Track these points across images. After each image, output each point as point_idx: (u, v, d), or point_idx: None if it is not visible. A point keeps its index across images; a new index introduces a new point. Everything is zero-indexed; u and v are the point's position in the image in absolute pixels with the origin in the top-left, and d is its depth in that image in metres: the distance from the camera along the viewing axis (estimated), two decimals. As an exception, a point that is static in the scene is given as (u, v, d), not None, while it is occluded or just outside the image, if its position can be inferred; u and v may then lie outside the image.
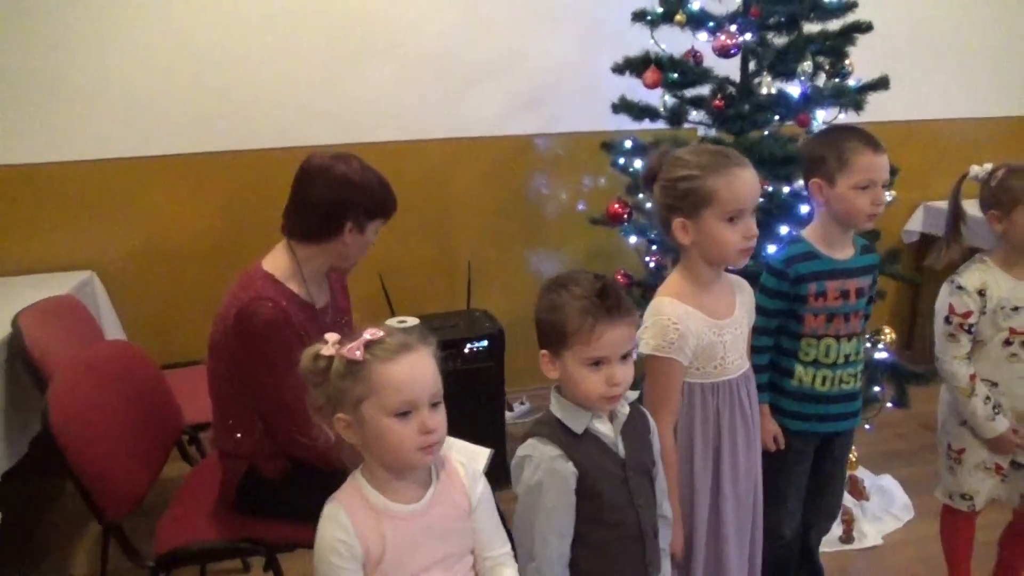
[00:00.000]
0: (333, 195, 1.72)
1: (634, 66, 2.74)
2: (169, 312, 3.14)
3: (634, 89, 2.80)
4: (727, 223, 1.47)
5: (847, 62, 2.55)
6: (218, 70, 3.04)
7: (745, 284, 1.67)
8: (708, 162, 1.48)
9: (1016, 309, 1.83)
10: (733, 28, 2.48)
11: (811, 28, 2.55)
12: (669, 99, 2.71)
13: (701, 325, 1.52)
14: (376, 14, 3.14)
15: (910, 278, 2.95)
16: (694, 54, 2.75)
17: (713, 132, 2.67)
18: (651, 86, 2.69)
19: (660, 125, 2.78)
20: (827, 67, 2.55)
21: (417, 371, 1.16)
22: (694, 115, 2.71)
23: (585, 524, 1.33)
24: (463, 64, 3.27)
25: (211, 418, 1.85)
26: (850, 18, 2.51)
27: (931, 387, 2.66)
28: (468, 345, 2.76)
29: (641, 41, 2.77)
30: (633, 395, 1.40)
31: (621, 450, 1.36)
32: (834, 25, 2.53)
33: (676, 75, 2.66)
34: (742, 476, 1.59)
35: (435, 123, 3.30)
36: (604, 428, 1.35)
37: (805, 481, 1.91)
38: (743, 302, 1.63)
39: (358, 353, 1.14)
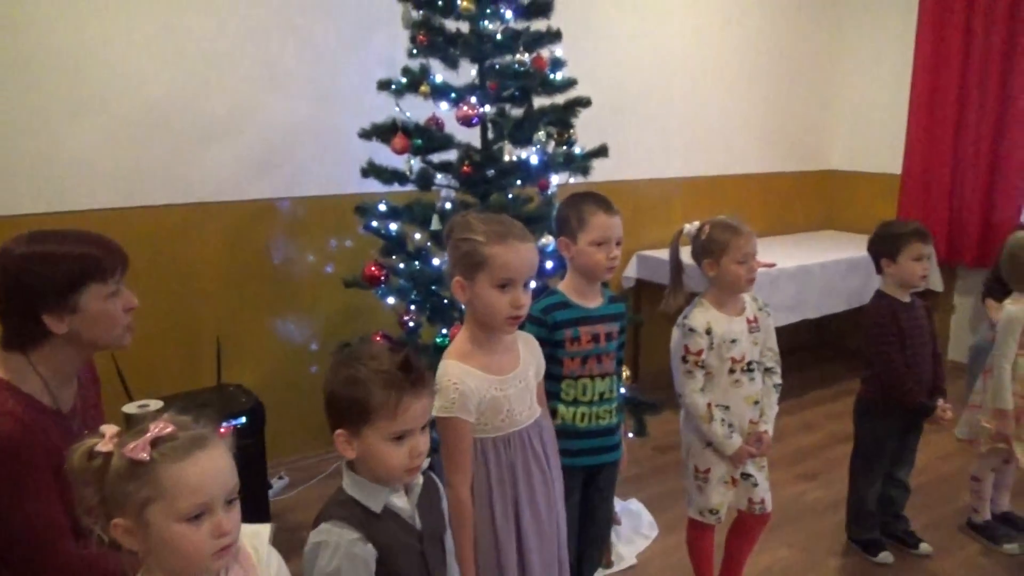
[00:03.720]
0: (8, 290, 1.44)
1: (381, 132, 2.81)
2: None
3: (376, 152, 2.86)
4: (497, 289, 1.56)
5: (572, 132, 2.87)
6: None
7: (531, 338, 1.78)
8: (490, 230, 1.58)
9: (734, 341, 2.17)
10: (473, 100, 2.66)
11: (541, 102, 2.83)
12: (416, 163, 2.81)
13: (481, 383, 1.59)
14: (89, 64, 2.82)
15: (633, 320, 3.33)
16: (436, 121, 2.89)
17: (456, 195, 2.82)
18: (400, 151, 2.77)
19: (409, 188, 2.87)
20: (556, 136, 2.84)
21: (213, 469, 1.05)
22: (440, 179, 2.84)
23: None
24: (190, 123, 3.06)
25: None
26: (572, 93, 2.83)
27: (661, 414, 3.05)
28: (224, 424, 2.56)
29: (380, 104, 2.86)
30: (425, 463, 1.40)
31: (417, 522, 1.37)
32: (559, 99, 2.83)
33: (421, 141, 2.78)
34: (544, 522, 1.67)
35: (162, 187, 3.05)
36: (401, 502, 1.34)
37: (576, 514, 2.05)
38: (528, 353, 1.72)
39: (144, 453, 1.02)
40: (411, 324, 2.92)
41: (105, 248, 1.52)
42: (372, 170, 2.86)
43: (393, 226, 2.84)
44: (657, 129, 4.33)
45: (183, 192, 3.11)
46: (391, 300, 2.93)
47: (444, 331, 2.80)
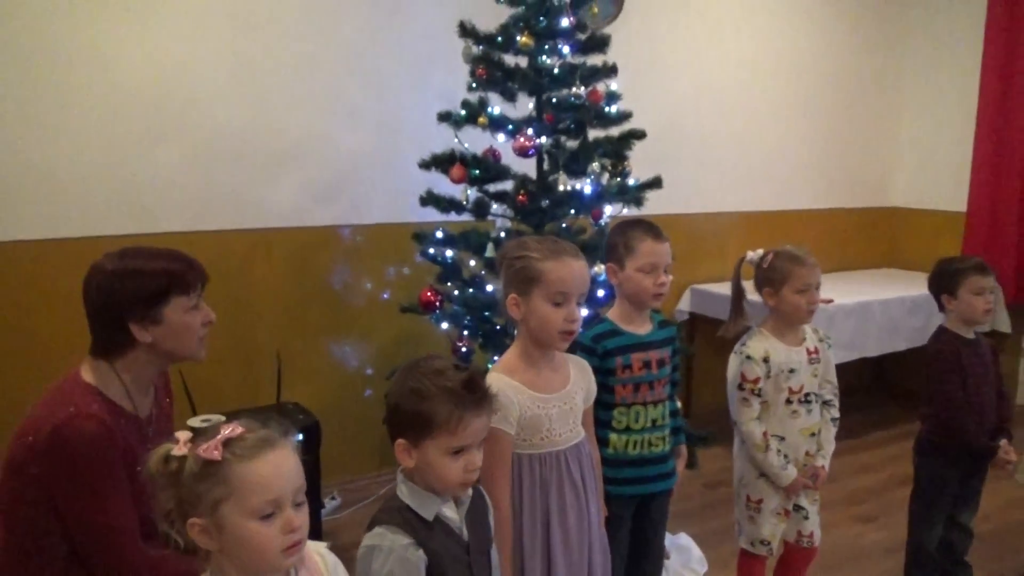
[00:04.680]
0: (100, 302, 1.57)
1: (440, 162, 2.90)
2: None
3: (434, 182, 2.94)
4: (552, 305, 1.61)
5: (627, 163, 2.91)
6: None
7: (584, 363, 1.80)
8: (545, 247, 1.63)
9: (792, 371, 2.16)
10: (530, 131, 2.73)
11: (595, 134, 2.88)
12: (472, 193, 2.89)
13: (524, 398, 1.62)
14: (163, 93, 2.99)
15: (686, 351, 3.32)
16: (493, 152, 2.97)
17: (511, 224, 2.88)
18: (457, 181, 2.86)
19: (465, 217, 2.94)
20: (610, 167, 2.88)
21: (281, 468, 1.11)
22: (495, 208, 2.90)
23: (432, 609, 1.34)
24: (259, 151, 3.21)
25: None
26: (627, 126, 2.88)
27: (711, 448, 3.01)
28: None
29: (439, 134, 2.95)
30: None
31: (465, 534, 1.40)
32: (614, 131, 2.88)
33: (478, 171, 2.86)
34: (574, 545, 1.67)
35: (232, 212, 3.20)
36: (451, 513, 1.38)
37: (626, 548, 2.05)
38: (580, 377, 1.75)
39: (216, 453, 1.08)
40: (464, 350, 2.97)
41: (188, 264, 1.65)
42: (430, 199, 2.95)
43: (449, 253, 2.92)
44: (712, 162, 4.34)
45: (251, 218, 3.25)
46: (445, 326, 2.99)
47: (496, 357, 2.84)
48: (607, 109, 2.86)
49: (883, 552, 2.97)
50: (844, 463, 3.61)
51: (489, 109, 2.82)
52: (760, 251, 2.24)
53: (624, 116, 2.88)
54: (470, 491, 1.42)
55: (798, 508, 2.24)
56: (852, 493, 3.48)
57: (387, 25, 3.40)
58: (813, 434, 2.20)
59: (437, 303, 2.90)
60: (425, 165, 2.94)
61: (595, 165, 2.76)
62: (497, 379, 1.62)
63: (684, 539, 2.98)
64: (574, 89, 2.75)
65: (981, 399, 2.47)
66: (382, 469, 3.48)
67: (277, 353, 3.15)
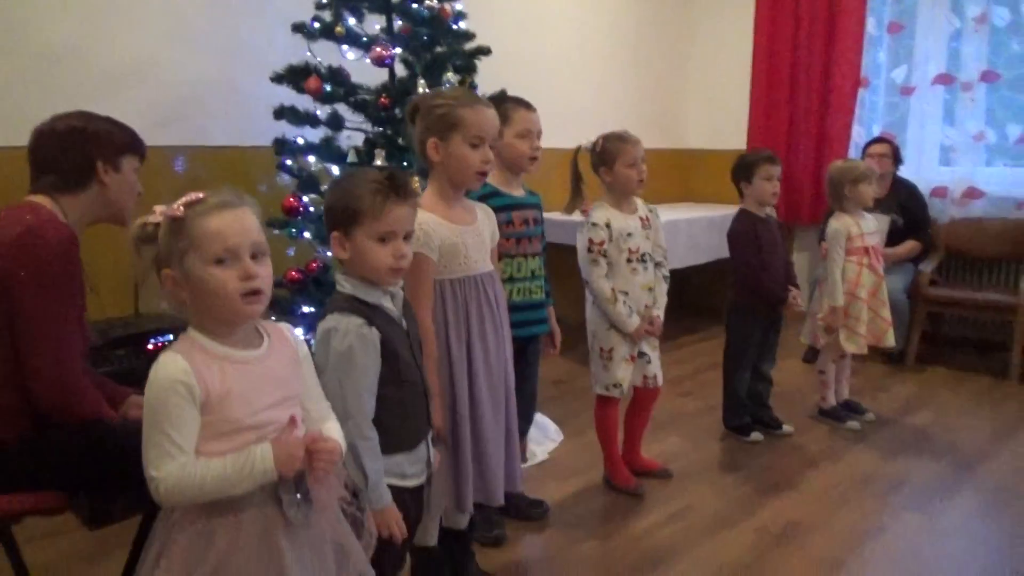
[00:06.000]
0: (72, 139, 1.72)
1: (294, 75, 2.98)
2: None
3: (285, 101, 2.98)
4: (471, 148, 1.81)
5: (474, 77, 3.17)
6: None
7: (489, 210, 2.01)
8: (461, 96, 1.84)
9: (630, 235, 2.53)
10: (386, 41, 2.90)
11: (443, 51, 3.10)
12: (326, 107, 3.00)
13: (442, 229, 1.83)
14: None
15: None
16: (343, 71, 3.09)
17: (369, 133, 3.03)
18: (314, 92, 2.95)
19: (321, 132, 3.03)
20: (461, 81, 3.13)
21: (237, 224, 1.23)
22: (350, 120, 3.04)
23: (385, 385, 1.53)
24: (92, 70, 3.08)
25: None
26: (474, 45, 3.13)
27: (565, 356, 3.34)
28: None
29: (285, 57, 2.99)
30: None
31: (404, 324, 1.60)
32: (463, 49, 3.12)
33: (332, 85, 2.98)
34: (493, 360, 1.91)
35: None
36: (389, 304, 1.57)
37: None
38: (485, 217, 1.96)
39: (179, 211, 1.22)
40: (328, 254, 3.08)
41: (140, 139, 1.85)
42: (285, 111, 3.01)
43: (312, 159, 3.00)
44: (547, 99, 4.69)
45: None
46: (308, 235, 3.08)
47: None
48: (454, 27, 3.09)
49: (701, 413, 3.50)
50: (661, 359, 4.15)
51: (345, 20, 2.94)
52: (591, 139, 2.59)
53: (468, 35, 3.11)
54: (400, 292, 1.61)
55: (642, 354, 2.64)
56: (671, 380, 4.00)
57: (226, -55, 3.38)
58: (650, 289, 2.60)
59: (301, 208, 2.99)
60: (278, 78, 2.99)
61: (449, 75, 2.98)
62: (419, 213, 1.76)
63: (540, 417, 3.31)
64: (427, 2, 2.95)
65: (774, 262, 3.04)
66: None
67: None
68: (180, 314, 1.26)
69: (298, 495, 1.24)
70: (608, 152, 2.54)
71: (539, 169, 2.45)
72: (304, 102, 3.01)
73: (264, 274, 1.26)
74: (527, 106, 2.28)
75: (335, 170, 3.01)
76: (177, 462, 1.16)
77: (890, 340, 3.24)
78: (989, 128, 4.51)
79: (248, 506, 1.21)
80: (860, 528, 2.47)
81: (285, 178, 3.15)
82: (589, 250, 2.52)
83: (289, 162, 3.07)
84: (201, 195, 1.25)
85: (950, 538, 2.43)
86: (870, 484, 2.79)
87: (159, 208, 1.25)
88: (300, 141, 3.01)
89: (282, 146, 3.03)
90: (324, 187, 3.03)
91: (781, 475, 2.86)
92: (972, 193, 4.52)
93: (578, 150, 2.63)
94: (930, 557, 2.32)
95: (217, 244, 1.21)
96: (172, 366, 1.19)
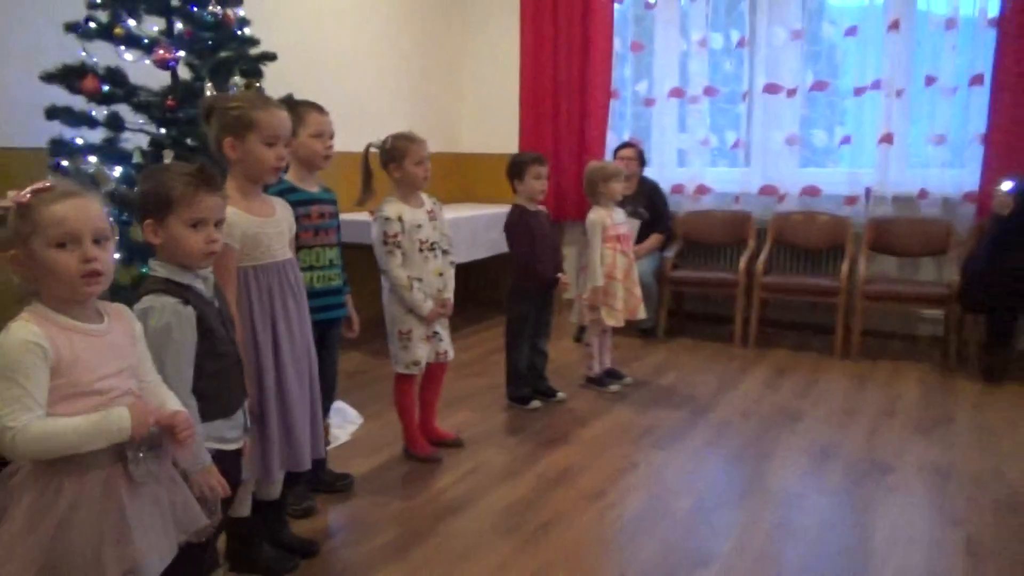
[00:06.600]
0: None
1: (68, 75, 2.92)
2: None
3: (57, 101, 2.91)
4: (266, 147, 1.98)
5: (260, 82, 3.28)
6: None
7: (287, 204, 2.17)
8: (254, 99, 2.02)
9: (419, 226, 2.83)
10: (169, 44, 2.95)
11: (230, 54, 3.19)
12: (104, 109, 2.97)
13: (244, 221, 1.99)
14: None
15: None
16: (121, 71, 3.08)
17: (154, 135, 3.04)
18: (91, 93, 2.92)
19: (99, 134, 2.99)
20: (247, 85, 3.23)
21: (79, 210, 1.35)
22: (130, 122, 3.03)
23: (203, 358, 1.68)
24: None
25: None
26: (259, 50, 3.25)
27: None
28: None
29: (54, 56, 2.91)
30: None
31: (216, 303, 1.76)
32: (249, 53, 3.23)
33: (111, 86, 2.96)
34: (297, 337, 2.10)
35: None
36: (201, 286, 1.72)
37: None
38: (283, 211, 2.13)
39: (25, 197, 1.33)
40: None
41: None
42: (59, 111, 2.93)
43: (93, 159, 2.95)
44: (331, 105, 4.84)
45: None
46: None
47: (144, 268, 2.97)
48: (238, 33, 3.19)
49: (488, 389, 3.88)
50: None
51: (123, 21, 2.94)
52: (380, 139, 2.85)
53: (253, 41, 3.23)
54: (211, 276, 1.76)
55: (435, 333, 2.94)
56: (461, 363, 4.36)
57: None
58: (440, 274, 2.91)
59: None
60: (49, 77, 2.91)
61: (236, 79, 3.09)
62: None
63: (339, 404, 3.50)
64: (210, 8, 3.03)
65: (545, 249, 3.48)
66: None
67: None
68: (31, 289, 1.37)
69: (141, 455, 1.38)
70: (397, 150, 2.81)
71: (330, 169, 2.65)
72: (80, 103, 2.97)
73: (103, 259, 1.38)
74: (320, 109, 2.49)
75: (117, 171, 2.99)
76: (34, 414, 1.27)
77: (642, 313, 3.83)
78: (712, 134, 5.38)
79: (93, 465, 1.34)
80: (619, 466, 2.97)
81: (61, 180, 3.07)
82: (384, 242, 2.77)
83: (65, 163, 2.99)
84: (48, 183, 1.36)
85: (686, 464, 2.99)
86: (627, 432, 3.32)
87: (11, 195, 1.35)
88: (80, 142, 2.96)
89: (59, 147, 2.95)
90: (105, 189, 3.01)
91: (556, 432, 3.31)
92: (702, 190, 5.36)
93: (368, 147, 2.87)
94: (671, 480, 2.86)
95: (59, 229, 1.33)
96: (25, 329, 1.30)
